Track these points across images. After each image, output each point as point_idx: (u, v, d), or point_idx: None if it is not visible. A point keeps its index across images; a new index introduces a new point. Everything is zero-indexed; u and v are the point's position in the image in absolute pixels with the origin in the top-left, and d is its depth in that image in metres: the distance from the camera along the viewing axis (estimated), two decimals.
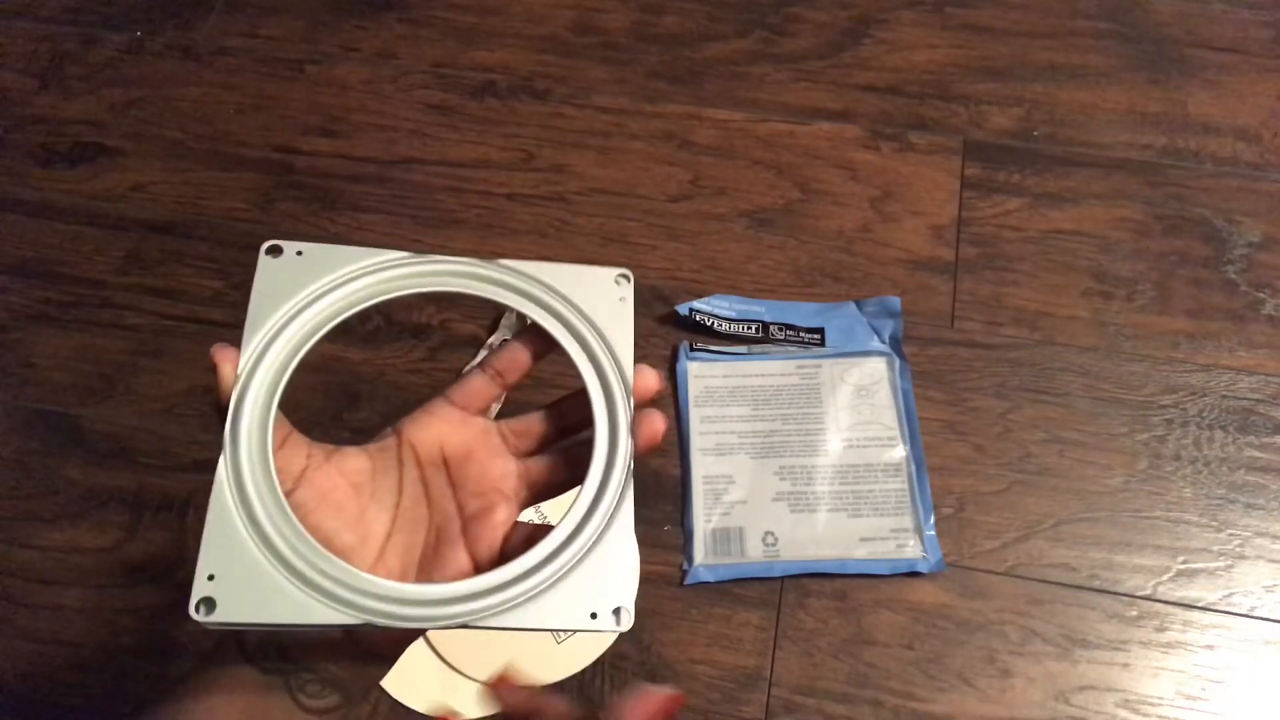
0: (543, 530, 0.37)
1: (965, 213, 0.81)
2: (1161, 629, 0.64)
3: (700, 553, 0.66)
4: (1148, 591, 0.65)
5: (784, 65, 0.89)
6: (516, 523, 0.39)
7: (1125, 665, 0.63)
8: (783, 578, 0.66)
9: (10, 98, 0.89)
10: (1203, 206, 0.81)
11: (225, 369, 0.35)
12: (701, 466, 0.69)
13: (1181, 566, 0.66)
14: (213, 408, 0.36)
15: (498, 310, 0.75)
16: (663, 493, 0.69)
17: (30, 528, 0.69)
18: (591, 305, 0.40)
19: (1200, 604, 0.65)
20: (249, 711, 0.36)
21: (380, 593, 0.34)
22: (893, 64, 0.89)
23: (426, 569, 0.37)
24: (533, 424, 0.40)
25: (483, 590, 0.35)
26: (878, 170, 0.83)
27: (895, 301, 0.75)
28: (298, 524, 0.34)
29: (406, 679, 0.63)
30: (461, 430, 0.39)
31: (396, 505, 0.38)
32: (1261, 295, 0.76)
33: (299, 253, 0.38)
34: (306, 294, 0.38)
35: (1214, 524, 0.68)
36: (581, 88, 0.88)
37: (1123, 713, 0.62)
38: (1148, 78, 0.88)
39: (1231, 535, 0.67)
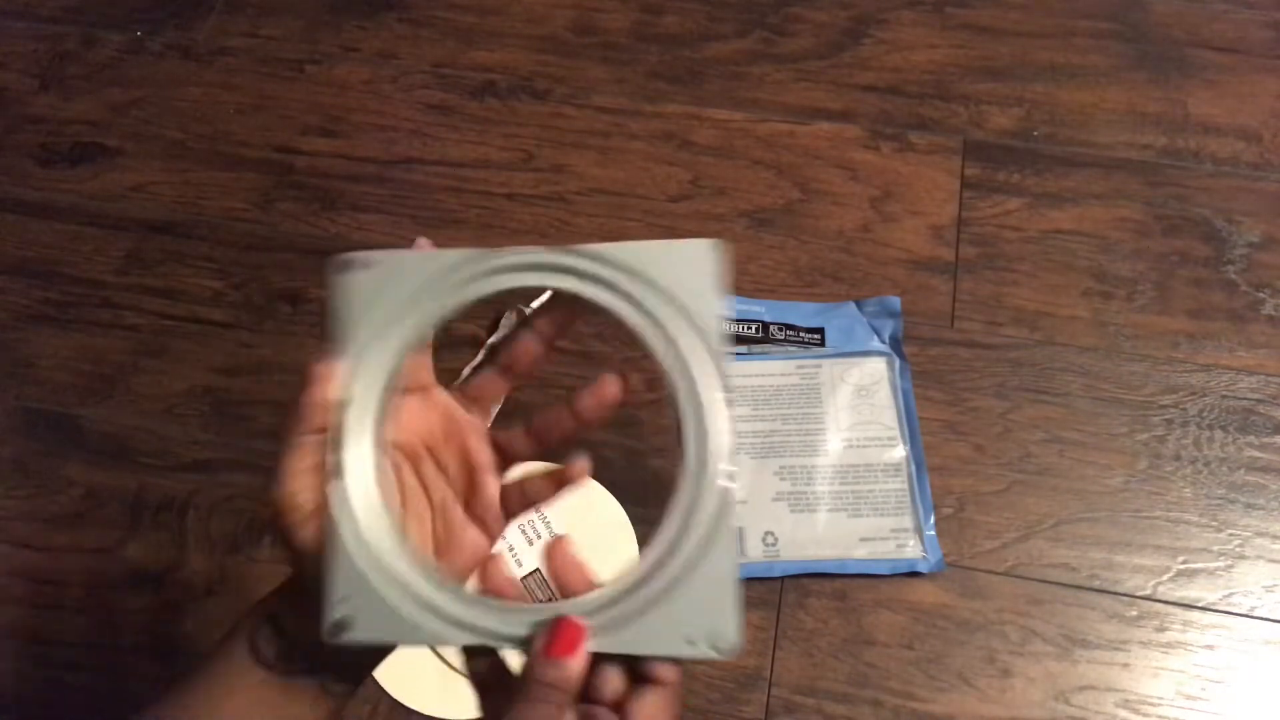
0: (537, 483, 0.38)
1: (965, 213, 0.81)
2: (1161, 629, 0.64)
3: None
4: (1148, 591, 0.65)
5: (784, 65, 0.89)
6: (506, 486, 0.39)
7: (1125, 665, 0.63)
8: (783, 578, 0.66)
9: (10, 98, 0.89)
10: (1203, 206, 0.81)
11: (328, 388, 0.35)
12: None
13: (1181, 566, 0.66)
14: (290, 420, 0.35)
15: (498, 310, 0.75)
16: (663, 493, 0.68)
17: (30, 528, 0.69)
18: (677, 287, 0.35)
19: (1200, 604, 0.65)
20: (274, 711, 0.37)
21: (491, 610, 0.34)
22: (893, 64, 0.89)
23: (445, 554, 0.38)
24: (485, 384, 0.40)
25: (587, 609, 0.34)
26: (878, 170, 0.83)
27: (895, 301, 0.75)
28: (411, 547, 0.35)
29: (406, 679, 0.63)
30: (427, 414, 0.39)
31: (403, 508, 0.38)
32: (1261, 295, 0.76)
33: (369, 265, 0.37)
34: (390, 308, 0.36)
35: (1214, 524, 0.68)
36: (581, 88, 0.88)
37: (1123, 713, 0.62)
38: (1148, 78, 0.88)
39: (1231, 535, 0.67)
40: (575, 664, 0.32)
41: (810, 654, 0.63)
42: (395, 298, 0.36)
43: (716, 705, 0.62)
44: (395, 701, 0.62)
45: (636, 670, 0.34)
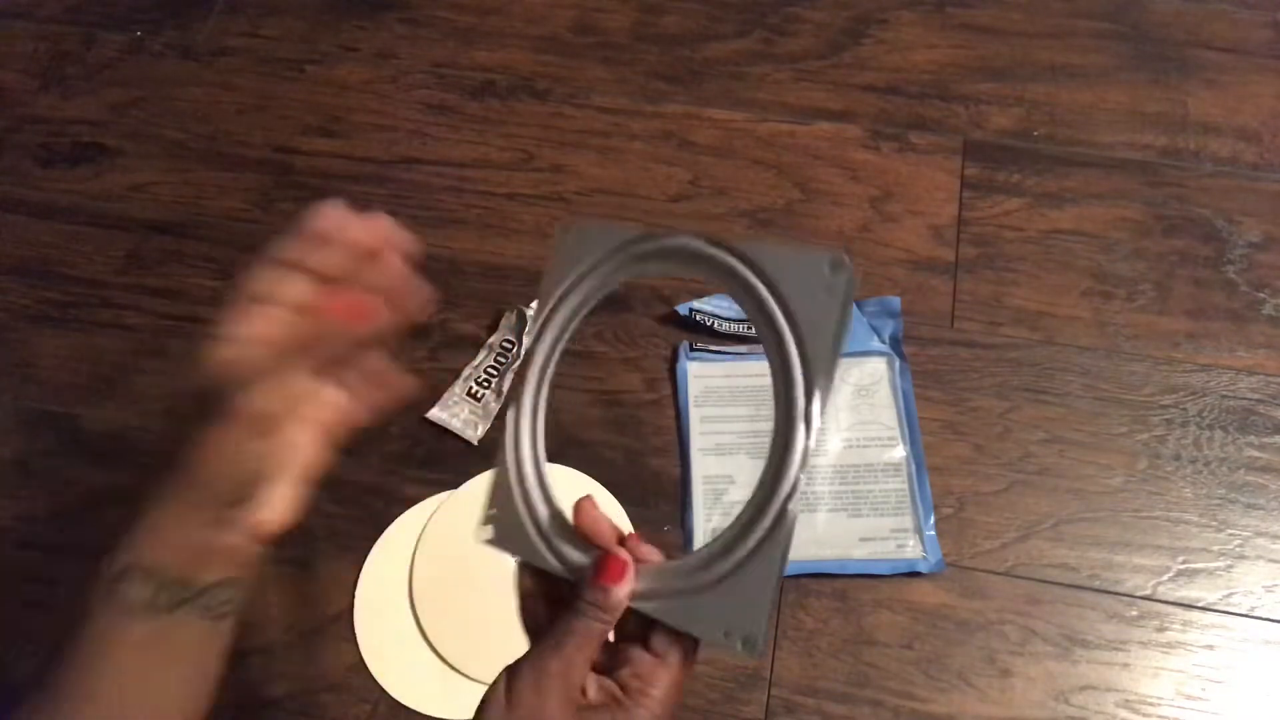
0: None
1: (965, 213, 0.81)
2: (1161, 629, 0.64)
3: None
4: (1148, 591, 0.65)
5: (784, 65, 0.89)
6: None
7: (1125, 665, 0.63)
8: (782, 578, 0.66)
9: (10, 98, 0.89)
10: (1203, 206, 0.81)
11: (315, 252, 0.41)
12: (701, 466, 0.69)
13: (1181, 566, 0.66)
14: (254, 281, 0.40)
15: (498, 310, 0.75)
16: (663, 493, 0.69)
17: (30, 528, 0.69)
18: (795, 293, 0.36)
19: (1200, 604, 0.65)
20: (167, 651, 0.39)
21: (580, 549, 0.40)
22: (893, 64, 0.89)
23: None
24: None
25: (650, 573, 0.38)
26: (878, 170, 0.83)
27: (895, 301, 0.74)
28: (550, 487, 0.41)
29: (406, 679, 0.63)
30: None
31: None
32: (1261, 295, 0.76)
33: (580, 231, 0.43)
34: (577, 273, 0.42)
35: (1214, 524, 0.68)
36: (581, 88, 0.88)
37: (1123, 713, 0.62)
38: (1148, 78, 0.88)
39: (1231, 535, 0.67)
40: (618, 591, 0.37)
41: (810, 654, 0.63)
42: (582, 264, 0.42)
43: (716, 705, 0.62)
44: (395, 701, 0.62)
45: (652, 649, 0.38)
